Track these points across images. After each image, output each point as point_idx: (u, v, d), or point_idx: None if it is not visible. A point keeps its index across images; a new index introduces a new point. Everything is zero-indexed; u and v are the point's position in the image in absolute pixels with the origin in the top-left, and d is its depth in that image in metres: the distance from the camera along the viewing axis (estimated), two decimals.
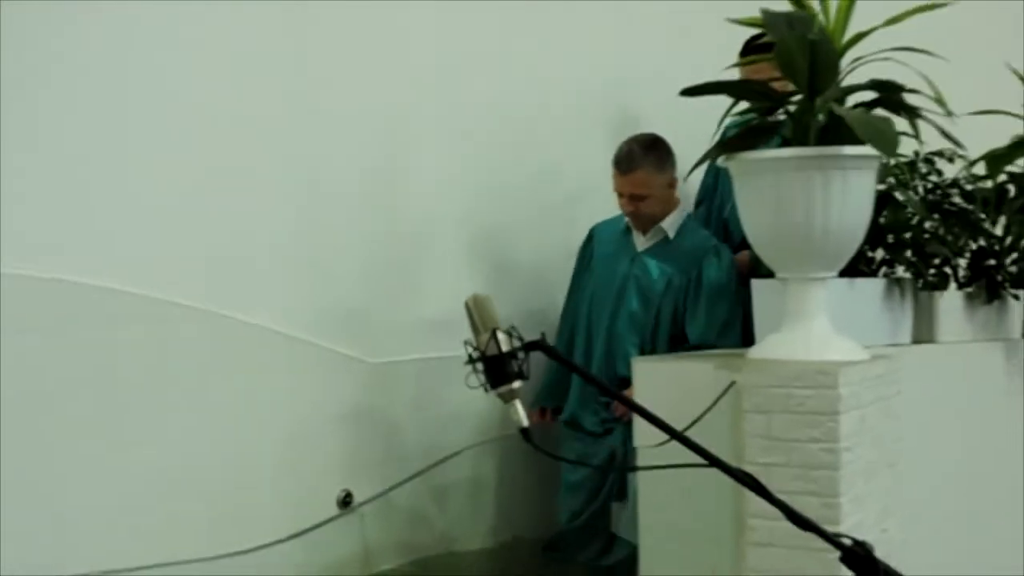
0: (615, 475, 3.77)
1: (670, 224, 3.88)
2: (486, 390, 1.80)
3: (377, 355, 3.73)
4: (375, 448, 3.74)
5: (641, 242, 3.90)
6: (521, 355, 1.79)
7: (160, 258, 3.22)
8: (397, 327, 3.79)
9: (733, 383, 2.69)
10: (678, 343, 3.78)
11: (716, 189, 4.17)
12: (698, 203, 4.27)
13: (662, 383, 2.89)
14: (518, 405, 1.81)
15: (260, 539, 3.41)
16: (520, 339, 1.80)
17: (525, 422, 1.80)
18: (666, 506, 2.83)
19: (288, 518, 3.50)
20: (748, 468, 2.58)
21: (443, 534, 3.91)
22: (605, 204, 3.98)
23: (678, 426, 1.80)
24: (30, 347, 2.95)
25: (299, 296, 3.54)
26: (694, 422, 2.38)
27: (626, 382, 3.39)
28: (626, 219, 3.91)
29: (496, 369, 1.78)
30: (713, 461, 1.67)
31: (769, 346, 2.89)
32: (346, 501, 3.66)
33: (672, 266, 3.82)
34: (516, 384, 1.79)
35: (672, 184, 3.86)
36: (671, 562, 2.82)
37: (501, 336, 1.78)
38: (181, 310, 3.24)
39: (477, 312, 1.80)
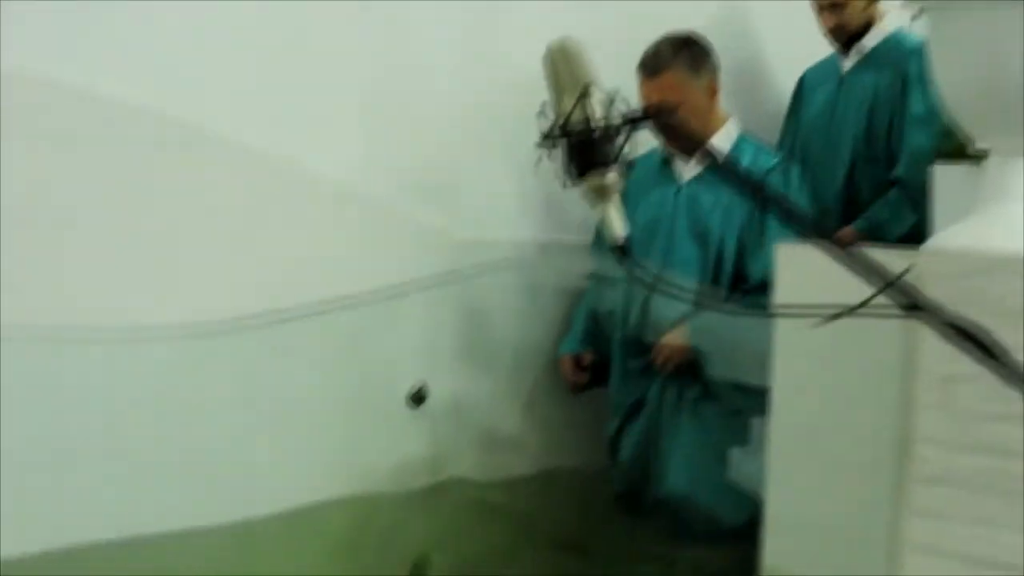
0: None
1: (719, 144, 3.16)
2: (565, 183, 1.20)
3: (467, 229, 3.16)
4: (455, 338, 3.19)
5: (687, 170, 3.19)
6: (623, 131, 1.19)
7: (215, 82, 2.70)
8: (494, 199, 3.21)
9: (910, 267, 2.04)
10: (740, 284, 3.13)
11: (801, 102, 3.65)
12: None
13: (811, 273, 2.26)
14: (612, 209, 1.21)
15: (314, 437, 2.91)
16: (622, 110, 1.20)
17: (620, 232, 1.21)
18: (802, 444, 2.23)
19: (349, 412, 2.98)
20: (927, 381, 1.96)
21: (526, 447, 3.34)
22: None
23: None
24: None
25: (380, 148, 2.98)
26: (864, 302, 1.73)
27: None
28: (659, 150, 3.19)
29: (584, 150, 1.18)
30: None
31: (956, 235, 2.25)
32: (418, 396, 3.12)
33: (728, 194, 3.10)
34: (611, 175, 1.19)
35: (713, 91, 3.16)
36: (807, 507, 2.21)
37: (595, 100, 1.17)
38: (234, 148, 2.72)
39: (564, 64, 1.19)
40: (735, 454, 2.98)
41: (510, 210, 3.26)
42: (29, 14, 2.44)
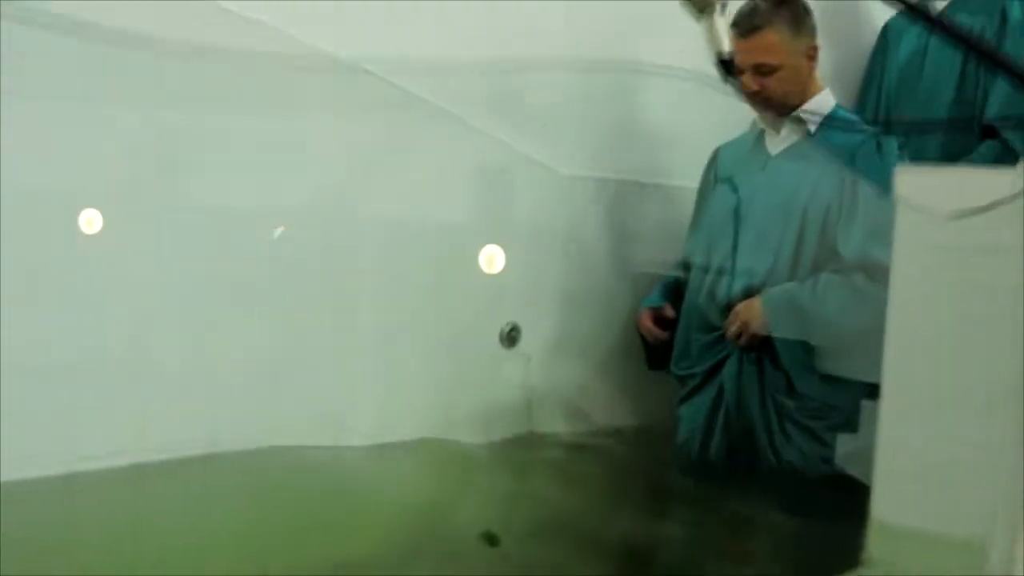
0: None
1: (811, 113, 2.86)
2: None
3: (571, 166, 3.03)
4: (553, 279, 3.07)
5: (775, 144, 2.91)
6: None
7: None
8: (603, 134, 3.09)
9: None
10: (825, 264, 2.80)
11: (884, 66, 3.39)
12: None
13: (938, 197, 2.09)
14: (716, 20, 1.08)
15: (412, 368, 2.82)
16: None
17: (725, 46, 1.08)
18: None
19: (442, 351, 2.89)
20: None
21: (619, 403, 3.20)
22: None
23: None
24: None
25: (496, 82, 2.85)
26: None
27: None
28: (755, 121, 2.94)
29: None
30: None
31: None
32: (512, 336, 3.00)
33: (817, 168, 2.83)
34: None
35: (812, 54, 2.84)
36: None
37: None
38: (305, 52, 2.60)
39: None
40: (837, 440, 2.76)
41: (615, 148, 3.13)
42: None
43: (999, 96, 3.05)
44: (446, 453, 2.88)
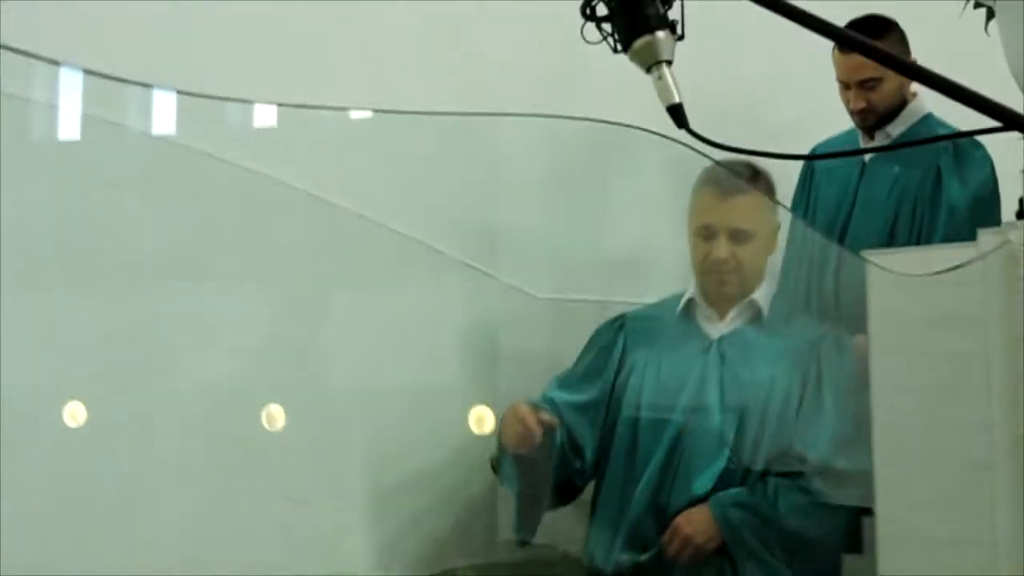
0: None
1: (764, 298, 2.61)
2: (615, 48, 1.16)
3: (546, 290, 3.06)
4: None
5: (715, 327, 2.60)
6: None
7: None
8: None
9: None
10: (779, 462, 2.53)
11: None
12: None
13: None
14: (667, 73, 1.16)
15: None
16: None
17: (676, 98, 1.16)
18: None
19: None
20: None
21: None
22: None
23: None
24: None
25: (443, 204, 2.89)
26: None
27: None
28: (682, 296, 2.64)
29: (630, 12, 1.14)
30: None
31: None
32: None
33: (771, 361, 2.57)
34: (661, 35, 1.15)
35: (776, 236, 2.68)
36: None
37: None
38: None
39: None
40: None
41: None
42: None
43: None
44: None
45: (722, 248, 2.49)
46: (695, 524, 2.41)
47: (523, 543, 2.64)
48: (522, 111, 2.81)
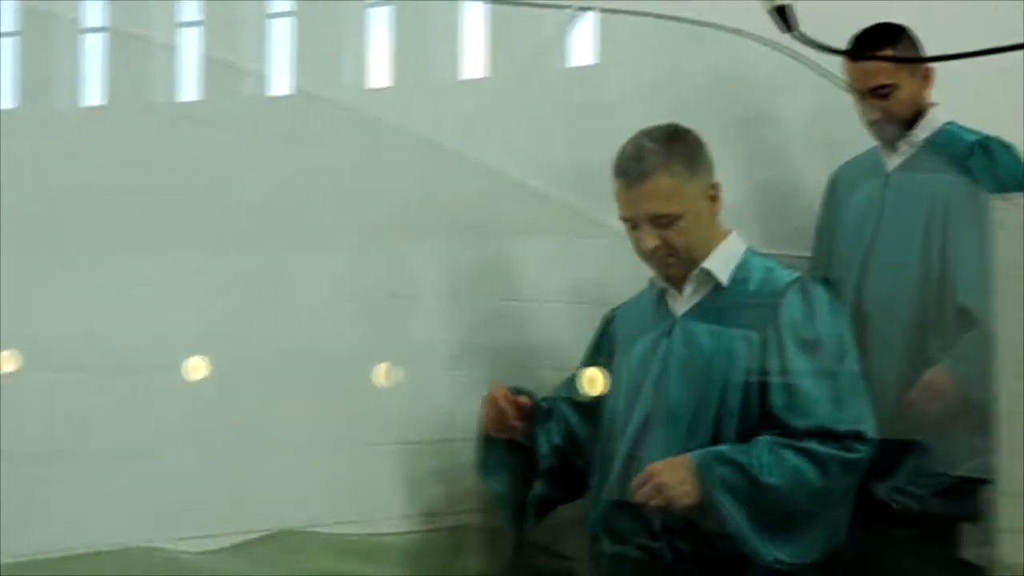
0: None
1: (720, 263, 2.42)
2: None
3: None
4: None
5: (679, 304, 2.45)
6: None
7: None
8: None
9: None
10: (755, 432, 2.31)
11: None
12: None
13: None
14: None
15: None
16: None
17: None
18: None
19: None
20: None
21: None
22: None
23: None
24: None
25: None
26: None
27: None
28: (652, 280, 2.51)
29: None
30: None
31: None
32: None
33: (733, 329, 2.38)
34: None
35: (714, 194, 2.43)
36: None
37: None
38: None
39: None
40: None
41: None
42: None
43: (967, 277, 2.71)
44: None
45: (648, 238, 2.35)
46: (671, 472, 2.23)
47: (521, 542, 2.61)
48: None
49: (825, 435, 2.25)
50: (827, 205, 2.98)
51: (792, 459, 2.23)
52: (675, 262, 2.39)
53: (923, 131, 2.83)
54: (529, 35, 2.86)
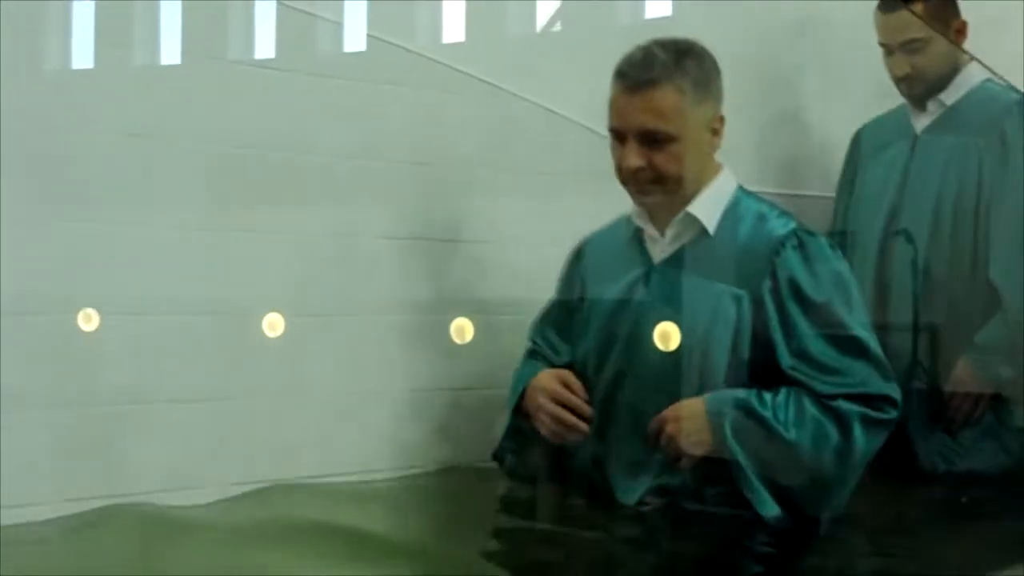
0: None
1: (707, 207, 2.16)
2: None
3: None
4: None
5: (658, 248, 2.20)
6: None
7: None
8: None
9: None
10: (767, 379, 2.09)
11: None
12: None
13: None
14: None
15: None
16: None
17: None
18: None
19: None
20: None
21: None
22: None
23: None
24: None
25: None
26: None
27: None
28: (631, 215, 2.24)
29: None
30: None
31: None
32: None
33: (721, 280, 2.13)
34: None
35: (718, 128, 2.16)
36: None
37: None
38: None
39: None
40: None
41: None
42: None
43: (1003, 250, 2.55)
44: None
45: (633, 155, 2.08)
46: (684, 420, 2.06)
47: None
48: None
49: (853, 397, 2.05)
50: (850, 162, 2.86)
51: (815, 415, 2.04)
52: (657, 191, 2.12)
53: (957, 90, 2.67)
54: None
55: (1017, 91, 2.58)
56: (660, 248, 2.19)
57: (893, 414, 2.08)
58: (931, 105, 2.70)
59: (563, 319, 2.34)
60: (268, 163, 2.34)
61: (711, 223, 2.14)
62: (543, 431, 2.20)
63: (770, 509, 2.04)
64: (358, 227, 2.47)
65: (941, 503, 2.45)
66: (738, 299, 2.08)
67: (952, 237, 2.62)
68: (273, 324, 2.32)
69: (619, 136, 2.12)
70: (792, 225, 2.13)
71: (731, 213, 2.16)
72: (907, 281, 2.63)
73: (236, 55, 2.37)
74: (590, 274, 2.31)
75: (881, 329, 2.32)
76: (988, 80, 2.65)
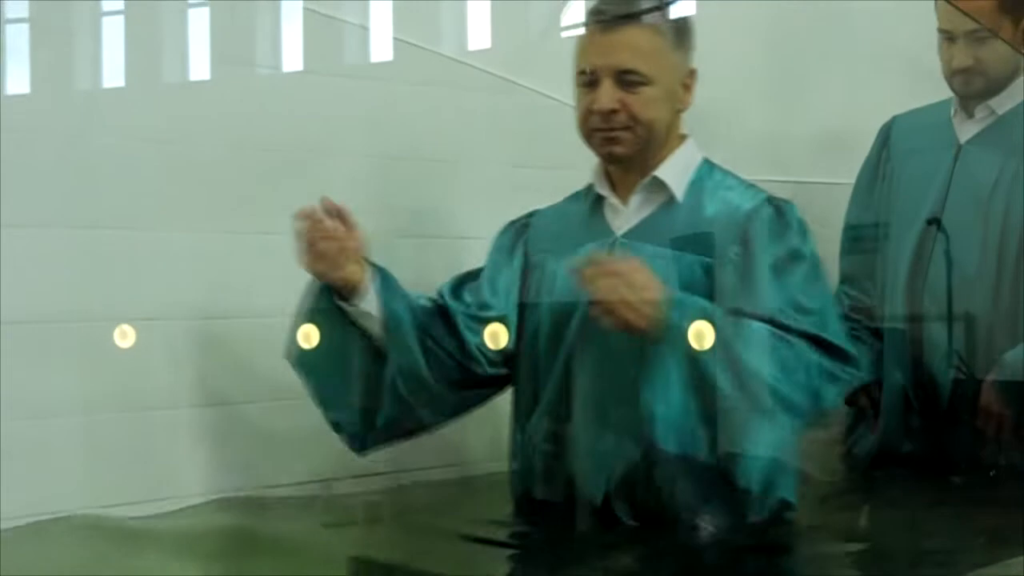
0: None
1: (675, 173, 2.04)
2: None
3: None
4: None
5: (620, 218, 2.07)
6: None
7: None
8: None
9: None
10: None
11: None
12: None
13: None
14: None
15: None
16: None
17: None
18: None
19: None
20: None
21: None
22: None
23: None
24: None
25: None
26: None
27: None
28: (591, 183, 2.12)
29: None
30: None
31: None
32: None
33: (688, 250, 1.99)
34: None
35: (688, 84, 2.05)
36: None
37: None
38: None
39: None
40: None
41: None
42: None
43: None
44: None
45: (607, 96, 1.96)
46: (638, 286, 1.85)
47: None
48: None
49: (818, 341, 1.92)
50: (878, 160, 2.64)
51: (780, 348, 1.88)
52: (629, 139, 1.99)
53: (1010, 98, 2.46)
54: None
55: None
56: (623, 219, 2.06)
57: (850, 375, 1.98)
58: (980, 111, 2.50)
59: (486, 288, 2.15)
60: (294, 166, 2.34)
61: (679, 190, 2.03)
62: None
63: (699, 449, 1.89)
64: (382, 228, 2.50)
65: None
66: (708, 269, 1.97)
67: (996, 265, 2.45)
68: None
69: (591, 78, 2.00)
70: (763, 195, 2.04)
71: (698, 184, 2.05)
72: (943, 296, 2.46)
73: (264, 61, 2.41)
74: (538, 247, 2.14)
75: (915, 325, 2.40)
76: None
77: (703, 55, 2.02)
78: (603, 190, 2.08)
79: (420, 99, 2.49)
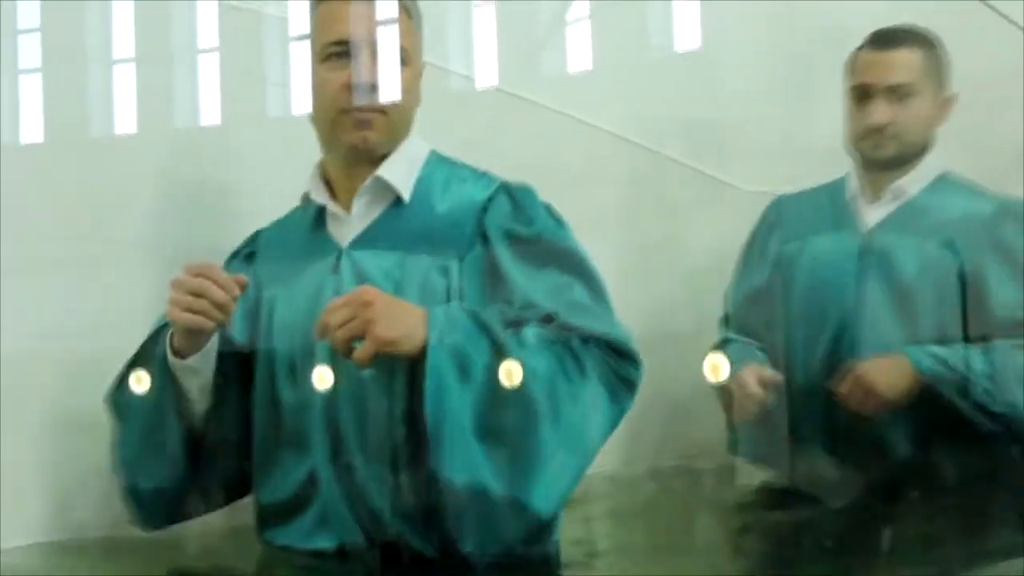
0: None
1: (399, 171, 1.87)
2: None
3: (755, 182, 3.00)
4: None
5: (345, 227, 1.88)
6: None
7: None
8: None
9: None
10: None
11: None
12: None
13: None
14: None
15: None
16: None
17: None
18: None
19: None
20: None
21: None
22: None
23: None
24: None
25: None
26: None
27: None
28: (307, 193, 1.92)
29: None
30: None
31: None
32: None
33: (423, 253, 1.81)
34: None
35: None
36: None
37: None
38: None
39: None
40: None
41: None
42: None
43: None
44: None
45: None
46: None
47: None
48: None
49: (591, 337, 1.74)
50: (765, 244, 2.40)
51: (552, 345, 1.70)
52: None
53: (920, 178, 2.26)
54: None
55: (991, 195, 2.24)
56: (348, 228, 1.87)
57: (637, 375, 1.77)
58: (887, 193, 2.27)
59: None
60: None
61: (405, 189, 1.85)
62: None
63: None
64: None
65: None
66: (445, 270, 1.79)
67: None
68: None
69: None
70: (497, 182, 1.87)
71: (426, 180, 1.87)
72: None
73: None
74: (266, 276, 1.92)
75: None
76: (949, 172, 2.29)
77: (718, 72, 1.98)
78: (320, 197, 1.89)
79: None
